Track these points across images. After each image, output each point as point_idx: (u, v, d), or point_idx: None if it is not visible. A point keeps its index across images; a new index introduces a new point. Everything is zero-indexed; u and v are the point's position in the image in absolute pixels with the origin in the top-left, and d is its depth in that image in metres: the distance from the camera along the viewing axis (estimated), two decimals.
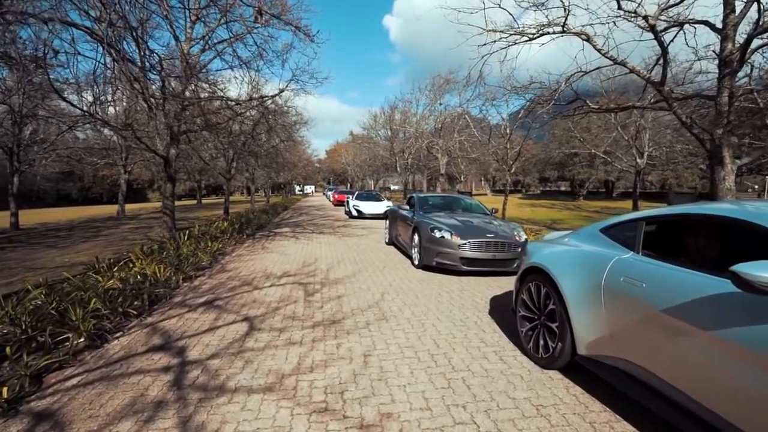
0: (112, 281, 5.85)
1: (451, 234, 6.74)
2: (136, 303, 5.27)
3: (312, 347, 3.76)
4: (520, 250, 6.80)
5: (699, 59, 10.44)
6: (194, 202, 47.42)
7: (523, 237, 7.06)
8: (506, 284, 6.32)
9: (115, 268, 6.71)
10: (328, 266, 7.72)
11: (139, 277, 6.32)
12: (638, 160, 24.27)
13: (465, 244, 6.57)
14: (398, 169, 35.77)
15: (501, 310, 4.93)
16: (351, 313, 4.76)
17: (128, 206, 36.43)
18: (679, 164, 27.49)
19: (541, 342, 3.24)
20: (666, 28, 8.91)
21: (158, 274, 6.35)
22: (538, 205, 38.08)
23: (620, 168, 31.65)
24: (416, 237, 7.51)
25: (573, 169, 41.05)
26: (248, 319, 4.60)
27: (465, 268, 6.58)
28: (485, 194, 58.96)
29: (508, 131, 18.12)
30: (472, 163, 38.74)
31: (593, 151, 27.81)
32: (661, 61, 9.25)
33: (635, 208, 24.98)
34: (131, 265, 7.00)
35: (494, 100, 19.75)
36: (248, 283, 6.32)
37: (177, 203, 47.09)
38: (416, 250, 7.50)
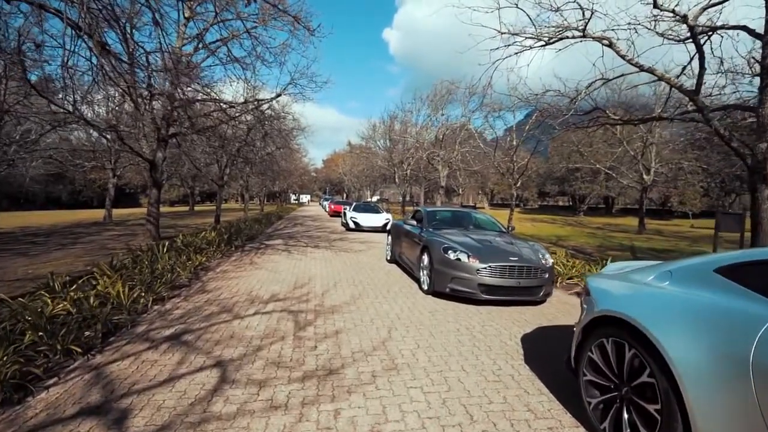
0: (62, 305, 4.86)
1: (468, 256, 5.79)
2: (86, 334, 4.27)
3: (300, 415, 2.77)
4: (547, 276, 5.87)
5: (726, 72, 9.64)
6: (186, 208, 46.27)
7: (550, 261, 6.13)
8: (533, 317, 5.38)
9: (73, 287, 5.71)
10: (323, 288, 6.73)
11: (100, 298, 5.36)
12: (645, 176, 23.56)
13: (485, 268, 5.62)
14: (396, 180, 34.89)
15: (539, 356, 3.97)
16: (352, 359, 3.78)
17: (118, 211, 35.32)
18: (687, 182, 26.82)
19: (626, 426, 2.29)
20: (700, 33, 8.12)
21: (122, 296, 5.35)
22: (539, 220, 37.29)
23: (623, 184, 31.01)
24: (426, 258, 6.55)
25: (574, 184, 40.40)
26: (221, 364, 3.61)
27: (484, 296, 5.62)
28: (483, 208, 58.23)
29: (514, 143, 17.33)
30: (470, 176, 37.98)
31: (598, 166, 27.10)
32: (694, 68, 8.50)
33: (641, 225, 24.19)
34: (94, 283, 6.01)
35: (500, 110, 19.03)
36: (228, 310, 5.32)
37: (169, 210, 46.03)
38: (425, 272, 6.53)
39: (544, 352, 4.09)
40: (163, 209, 45.72)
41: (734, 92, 9.92)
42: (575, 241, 18.41)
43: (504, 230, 7.93)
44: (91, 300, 5.23)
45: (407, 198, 37.23)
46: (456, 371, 3.53)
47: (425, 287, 6.47)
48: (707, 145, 23.05)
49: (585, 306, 2.88)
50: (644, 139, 23.02)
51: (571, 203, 56.65)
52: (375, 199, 62.75)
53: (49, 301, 4.84)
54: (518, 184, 17.34)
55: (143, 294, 5.79)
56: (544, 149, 38.30)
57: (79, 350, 3.81)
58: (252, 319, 4.93)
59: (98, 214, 29.67)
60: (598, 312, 2.59)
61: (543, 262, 5.97)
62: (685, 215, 39.47)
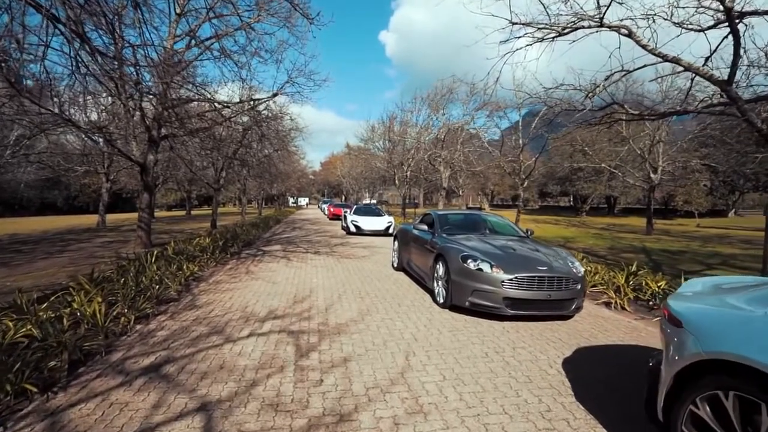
0: (26, 328, 4.20)
1: (492, 266, 5.13)
2: (51, 365, 3.62)
3: None
4: (579, 287, 5.22)
5: (750, 64, 9.05)
6: (183, 213, 45.60)
7: (581, 270, 5.47)
8: (567, 335, 4.72)
9: (45, 305, 5.06)
10: (326, 302, 6.06)
11: (75, 318, 4.72)
12: (652, 175, 22.94)
13: (511, 279, 4.96)
14: (396, 182, 34.19)
15: (592, 390, 3.31)
16: (366, 397, 3.11)
17: (114, 216, 34.64)
18: (695, 180, 26.22)
19: None
20: (737, 17, 7.48)
21: (98, 316, 4.68)
22: (541, 221, 36.63)
23: (626, 183, 30.42)
24: (440, 267, 5.88)
25: (577, 184, 39.78)
26: (206, 407, 2.94)
27: (510, 311, 4.96)
28: (483, 208, 57.58)
29: (520, 142, 16.70)
30: (469, 177, 37.31)
31: (603, 165, 26.45)
32: (715, 58, 7.89)
33: (649, 225, 23.57)
34: (70, 299, 5.34)
35: (506, 108, 18.43)
36: (219, 331, 4.65)
37: (166, 214, 45.38)
38: (440, 283, 5.86)
39: (597, 384, 3.42)
40: (160, 214, 45.15)
41: (750, 85, 9.37)
42: (584, 243, 17.80)
43: (523, 234, 7.26)
44: (64, 321, 4.60)
45: (407, 200, 36.52)
46: (496, 414, 2.86)
47: (441, 300, 5.80)
48: (715, 142, 22.52)
49: (673, 341, 2.22)
50: (652, 137, 22.38)
51: (572, 203, 56.10)
52: (373, 201, 62.07)
53: (11, 324, 4.18)
54: (525, 185, 16.68)
55: (125, 311, 5.14)
56: (547, 148, 37.65)
57: (34, 389, 3.14)
58: (246, 343, 4.26)
59: (92, 219, 29.02)
60: (706, 354, 1.93)
61: (574, 271, 5.31)
62: (689, 214, 38.92)
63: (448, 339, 4.46)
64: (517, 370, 3.64)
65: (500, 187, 57.54)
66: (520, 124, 17.91)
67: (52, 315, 4.71)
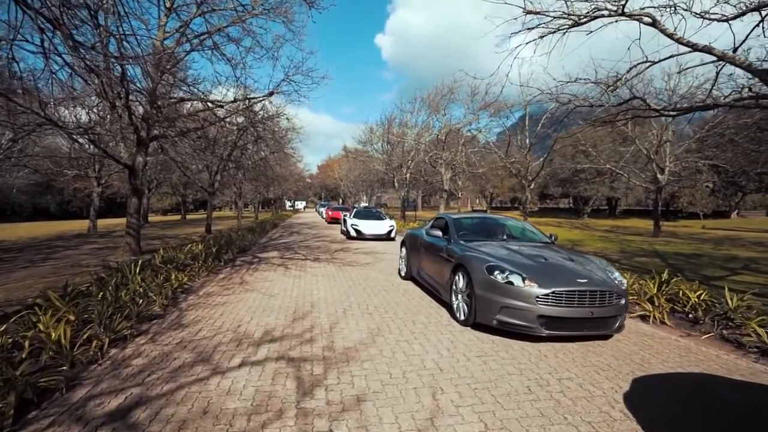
0: None
1: (523, 278, 4.42)
2: None
3: None
4: (623, 302, 4.52)
5: None
6: (178, 217, 44.77)
7: (623, 282, 4.78)
8: (614, 360, 4.01)
9: (3, 326, 4.34)
10: (330, 320, 5.33)
11: (38, 343, 4.03)
12: (659, 176, 22.32)
13: (547, 295, 4.25)
14: (396, 184, 33.46)
15: None
16: None
17: (106, 221, 33.86)
18: (702, 181, 25.66)
19: None
20: None
21: (63, 342, 3.97)
22: (543, 223, 35.97)
23: (631, 184, 29.83)
24: (460, 279, 5.17)
25: (579, 186, 39.21)
26: None
27: (545, 332, 4.25)
28: (484, 210, 56.79)
29: (527, 142, 16.05)
30: (469, 179, 36.65)
31: (608, 166, 25.83)
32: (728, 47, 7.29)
33: (657, 227, 22.96)
34: (35, 319, 4.61)
35: (512, 107, 17.79)
36: (206, 359, 3.93)
37: (160, 219, 44.65)
38: (460, 298, 5.15)
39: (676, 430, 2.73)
40: (155, 218, 44.28)
41: None
42: (592, 247, 17.18)
43: (547, 240, 6.55)
44: (25, 347, 3.90)
45: (406, 203, 35.78)
46: None
47: (461, 317, 5.08)
48: (724, 141, 21.93)
49: None
50: (659, 137, 21.79)
51: (572, 205, 55.54)
52: (375, 203, 61.32)
53: None
54: (531, 186, 16.01)
55: (100, 332, 4.43)
56: (547, 149, 37.01)
57: None
58: (237, 376, 3.54)
59: (84, 225, 28.24)
60: None
61: (616, 283, 4.62)
62: (692, 215, 38.42)
63: (479, 368, 3.74)
64: (573, 414, 2.93)
65: (500, 189, 56.90)
66: (527, 122, 17.25)
67: (10, 340, 4.00)
